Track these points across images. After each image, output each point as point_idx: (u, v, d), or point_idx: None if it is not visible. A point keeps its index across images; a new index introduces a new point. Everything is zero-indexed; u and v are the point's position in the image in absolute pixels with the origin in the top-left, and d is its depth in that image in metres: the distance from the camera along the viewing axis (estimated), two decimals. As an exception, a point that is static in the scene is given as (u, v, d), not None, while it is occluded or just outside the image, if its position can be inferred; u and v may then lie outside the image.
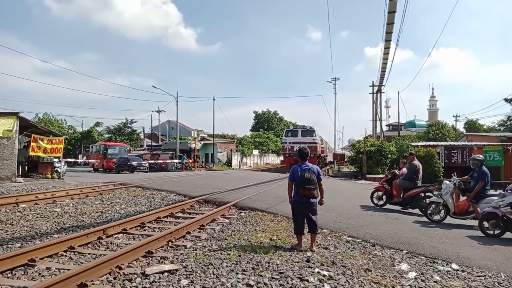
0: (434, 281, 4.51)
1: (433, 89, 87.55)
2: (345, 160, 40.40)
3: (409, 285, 4.32)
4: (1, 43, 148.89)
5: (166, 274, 4.38)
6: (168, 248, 5.78)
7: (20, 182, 17.30)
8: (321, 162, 33.25)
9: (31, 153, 20.03)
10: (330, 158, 45.68)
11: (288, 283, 4.13)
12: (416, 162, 10.31)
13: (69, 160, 34.68)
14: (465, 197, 8.47)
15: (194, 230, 6.99)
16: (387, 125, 60.77)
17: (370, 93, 37.17)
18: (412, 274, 4.70)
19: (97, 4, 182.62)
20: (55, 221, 7.97)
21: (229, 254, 5.24)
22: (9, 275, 4.43)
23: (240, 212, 9.12)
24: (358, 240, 6.55)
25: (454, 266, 5.18)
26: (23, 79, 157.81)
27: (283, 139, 30.59)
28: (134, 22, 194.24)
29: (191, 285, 4.04)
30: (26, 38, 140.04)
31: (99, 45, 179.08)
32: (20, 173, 19.59)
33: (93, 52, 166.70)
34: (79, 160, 41.12)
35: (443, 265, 5.21)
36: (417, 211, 9.76)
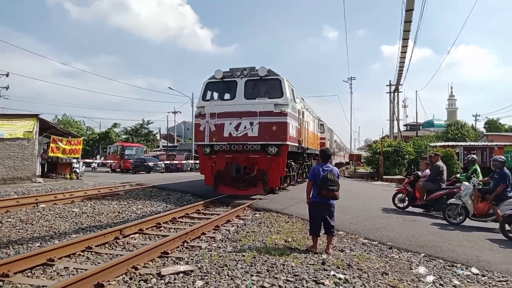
0: (453, 286, 4.41)
1: (452, 88, 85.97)
2: (361, 160, 39.88)
3: (427, 289, 4.23)
4: (22, 46, 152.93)
5: (181, 275, 4.40)
6: (183, 248, 5.81)
7: (40, 182, 17.73)
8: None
9: (51, 154, 20.49)
10: (342, 159, 41.61)
11: (303, 285, 4.09)
12: (440, 163, 10.11)
13: (87, 160, 35.27)
14: (485, 199, 8.26)
15: (209, 231, 7.02)
16: (404, 125, 59.87)
17: (387, 93, 36.63)
18: (430, 278, 4.60)
19: (114, 6, 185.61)
20: (73, 221, 8.12)
21: (243, 256, 5.23)
22: (29, 274, 4.53)
23: (255, 213, 9.11)
24: (374, 242, 6.45)
25: (474, 270, 5.05)
26: (43, 81, 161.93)
27: (197, 106, 12.58)
28: (150, 23, 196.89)
29: (206, 286, 4.04)
30: (46, 41, 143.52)
31: (116, 47, 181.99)
32: (40, 174, 20.04)
33: (110, 54, 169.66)
34: (97, 161, 41.79)
35: (462, 269, 5.09)
36: (438, 213, 9.53)
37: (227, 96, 12.06)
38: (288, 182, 13.49)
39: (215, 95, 12.25)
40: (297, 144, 12.39)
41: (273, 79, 11.57)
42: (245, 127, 11.07)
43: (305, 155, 14.82)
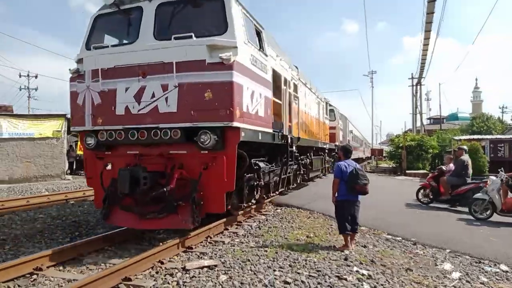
0: (481, 283, 4.33)
1: (476, 79, 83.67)
2: (383, 155, 39.26)
3: (453, 285, 4.18)
4: (48, 48, 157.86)
5: (205, 269, 4.51)
6: (207, 243, 5.92)
7: (69, 179, 18.33)
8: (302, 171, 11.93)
9: (79, 152, 21.15)
10: (362, 153, 38.84)
11: (326, 281, 4.11)
12: (465, 157, 9.89)
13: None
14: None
15: (231, 226, 7.10)
16: (427, 119, 58.48)
17: (409, 86, 35.96)
18: (456, 275, 4.53)
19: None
20: (101, 217, 8.36)
21: (266, 251, 5.29)
22: (61, 268, 4.74)
23: (276, 209, 9.14)
24: (398, 238, 6.38)
25: (503, 267, 4.93)
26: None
27: (75, 60, 6.41)
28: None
29: (230, 280, 4.13)
30: (70, 42, 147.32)
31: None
32: (69, 171, 20.70)
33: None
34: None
35: (490, 266, 4.98)
36: (463, 208, 9.32)
37: (128, 39, 6.37)
38: (256, 197, 7.86)
39: (111, 40, 6.78)
40: (268, 130, 7.25)
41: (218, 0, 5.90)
42: (153, 95, 5.75)
43: (292, 149, 9.13)
